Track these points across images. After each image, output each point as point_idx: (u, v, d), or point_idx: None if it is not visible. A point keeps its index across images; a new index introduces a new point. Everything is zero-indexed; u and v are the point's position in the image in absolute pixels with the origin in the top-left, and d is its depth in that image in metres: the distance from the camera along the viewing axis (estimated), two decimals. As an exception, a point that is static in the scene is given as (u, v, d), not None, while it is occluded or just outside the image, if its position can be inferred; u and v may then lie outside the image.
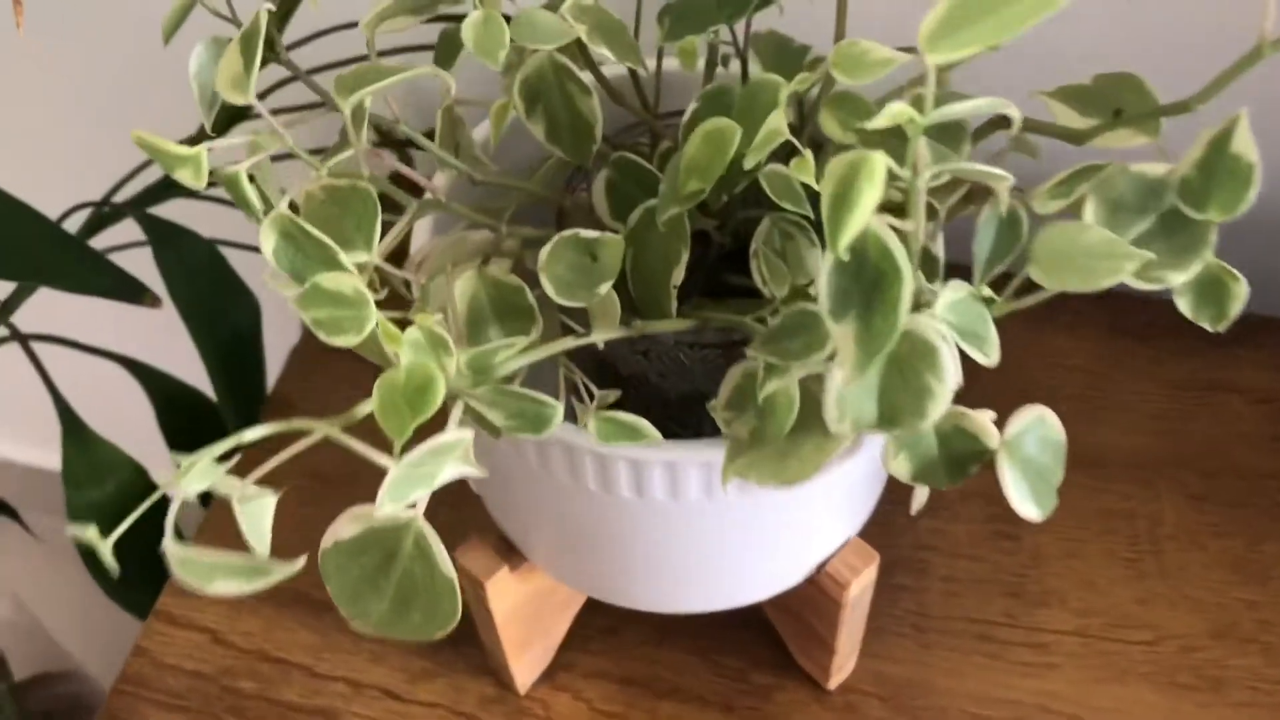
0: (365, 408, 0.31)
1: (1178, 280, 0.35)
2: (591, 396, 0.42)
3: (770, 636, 0.62)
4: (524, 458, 0.46)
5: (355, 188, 0.35)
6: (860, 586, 0.53)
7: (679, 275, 0.42)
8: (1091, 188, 0.35)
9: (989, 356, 0.34)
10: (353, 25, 0.56)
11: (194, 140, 0.64)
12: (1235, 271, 0.36)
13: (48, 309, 0.84)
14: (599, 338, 0.40)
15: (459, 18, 0.41)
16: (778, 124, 0.39)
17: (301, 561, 0.28)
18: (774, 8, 0.45)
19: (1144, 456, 0.69)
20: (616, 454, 0.42)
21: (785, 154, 0.41)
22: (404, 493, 0.30)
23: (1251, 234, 0.66)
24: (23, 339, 0.70)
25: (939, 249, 0.42)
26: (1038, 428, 0.36)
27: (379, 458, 0.30)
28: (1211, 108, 0.36)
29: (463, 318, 0.40)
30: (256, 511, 0.32)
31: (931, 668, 0.61)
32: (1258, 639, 0.62)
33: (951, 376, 0.30)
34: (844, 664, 0.60)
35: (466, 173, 0.44)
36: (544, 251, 0.39)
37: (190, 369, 0.78)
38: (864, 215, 0.27)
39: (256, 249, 0.37)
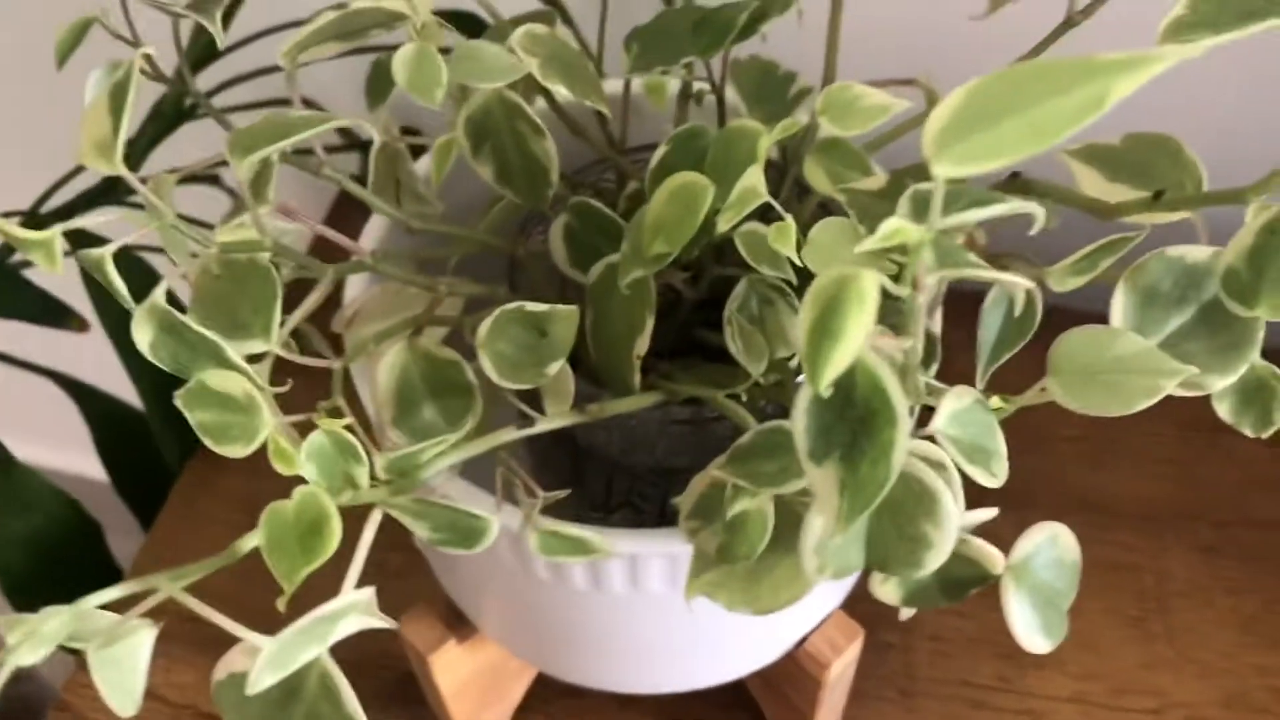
0: (249, 542, 0.26)
1: (1218, 386, 0.30)
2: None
3: (743, 699, 0.57)
4: (467, 538, 0.41)
5: (254, 264, 0.29)
6: (843, 665, 0.49)
7: (643, 344, 0.37)
8: (1122, 274, 0.30)
9: (996, 476, 0.29)
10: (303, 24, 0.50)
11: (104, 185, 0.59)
12: (1285, 374, 0.31)
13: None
14: (550, 425, 0.34)
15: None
16: (754, 183, 0.34)
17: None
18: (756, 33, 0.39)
19: (1151, 504, 0.64)
20: (568, 546, 0.37)
21: (765, 205, 0.36)
22: (289, 660, 0.25)
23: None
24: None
25: (936, 323, 0.37)
26: (1049, 548, 0.31)
27: (250, 637, 0.24)
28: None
29: (390, 398, 0.34)
30: (123, 658, 0.26)
31: (918, 737, 0.57)
32: (1270, 710, 0.57)
33: (954, 524, 0.25)
34: (823, 734, 0.55)
35: (403, 221, 0.38)
36: (483, 327, 0.33)
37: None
38: (850, 349, 0.22)
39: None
